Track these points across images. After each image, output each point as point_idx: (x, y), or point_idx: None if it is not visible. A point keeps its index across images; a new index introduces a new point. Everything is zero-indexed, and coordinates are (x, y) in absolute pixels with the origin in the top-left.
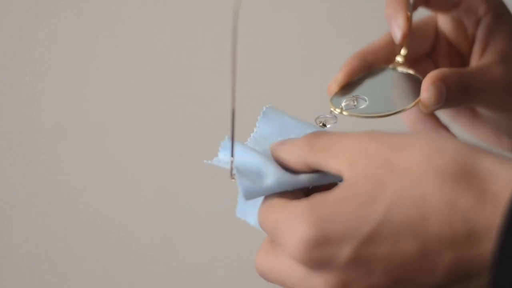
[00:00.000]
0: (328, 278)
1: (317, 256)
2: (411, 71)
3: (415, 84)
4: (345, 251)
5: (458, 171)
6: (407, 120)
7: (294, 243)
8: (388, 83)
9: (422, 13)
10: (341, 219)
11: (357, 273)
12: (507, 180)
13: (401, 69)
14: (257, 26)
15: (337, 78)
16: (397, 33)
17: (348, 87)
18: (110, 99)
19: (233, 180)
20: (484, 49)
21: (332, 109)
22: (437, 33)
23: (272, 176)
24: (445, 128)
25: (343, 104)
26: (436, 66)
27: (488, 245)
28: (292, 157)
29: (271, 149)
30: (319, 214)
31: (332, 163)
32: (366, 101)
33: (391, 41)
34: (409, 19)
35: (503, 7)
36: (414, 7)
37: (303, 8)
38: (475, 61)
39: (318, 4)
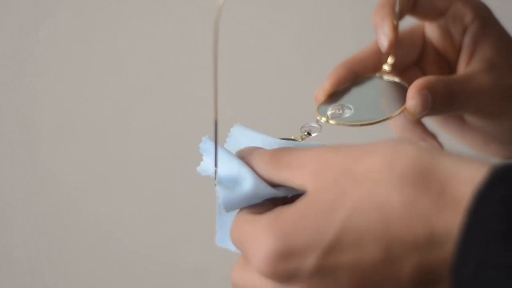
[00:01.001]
0: None
1: (283, 269)
2: (397, 80)
3: (401, 92)
4: (309, 262)
5: (417, 173)
6: (396, 129)
7: (259, 257)
8: (375, 92)
9: (411, 22)
10: (303, 230)
11: (323, 284)
12: (466, 180)
13: (387, 77)
14: (257, 26)
15: (323, 87)
16: (384, 41)
17: (335, 95)
18: (110, 99)
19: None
20: (471, 57)
21: (318, 118)
22: (425, 41)
23: (249, 181)
24: (433, 136)
25: (328, 113)
26: (424, 74)
27: (450, 247)
28: (258, 171)
29: (239, 156)
30: (281, 226)
31: (296, 179)
32: (351, 109)
33: (378, 50)
34: (395, 28)
35: (490, 15)
36: (400, 16)
37: (303, 8)
38: (462, 69)
39: (318, 4)
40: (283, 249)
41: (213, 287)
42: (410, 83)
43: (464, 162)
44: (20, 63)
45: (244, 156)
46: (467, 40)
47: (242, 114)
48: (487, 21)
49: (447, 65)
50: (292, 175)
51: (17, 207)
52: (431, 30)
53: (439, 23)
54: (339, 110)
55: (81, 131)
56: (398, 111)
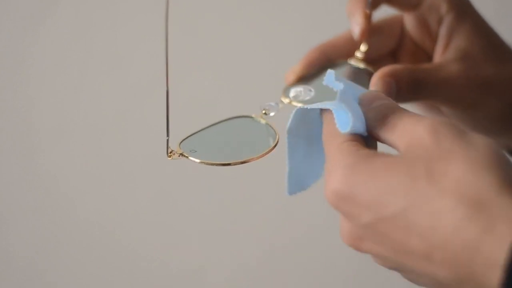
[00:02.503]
0: (350, 225)
1: (342, 208)
2: (367, 67)
3: (369, 79)
4: (364, 218)
5: (476, 201)
6: None
7: (327, 187)
8: (343, 77)
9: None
10: (369, 191)
11: (371, 236)
12: None
13: (359, 64)
14: (257, 26)
15: (294, 69)
16: (356, 29)
17: (305, 78)
18: (109, 100)
19: (170, 158)
20: (446, 47)
21: (282, 99)
22: (403, 32)
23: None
24: None
25: (291, 95)
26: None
27: (490, 279)
28: (367, 120)
29: (362, 98)
30: (355, 177)
31: (393, 143)
32: (312, 91)
33: (352, 37)
34: (367, 16)
35: (467, 5)
36: (375, 5)
37: (304, 8)
38: (437, 59)
39: (318, 4)
40: (345, 195)
41: (213, 287)
42: None
43: None
44: (18, 63)
45: (364, 103)
46: (442, 31)
47: (241, 113)
48: (463, 11)
49: (425, 56)
50: (391, 140)
51: (15, 208)
52: (409, 21)
53: (416, 13)
54: (300, 92)
55: (81, 132)
56: None
